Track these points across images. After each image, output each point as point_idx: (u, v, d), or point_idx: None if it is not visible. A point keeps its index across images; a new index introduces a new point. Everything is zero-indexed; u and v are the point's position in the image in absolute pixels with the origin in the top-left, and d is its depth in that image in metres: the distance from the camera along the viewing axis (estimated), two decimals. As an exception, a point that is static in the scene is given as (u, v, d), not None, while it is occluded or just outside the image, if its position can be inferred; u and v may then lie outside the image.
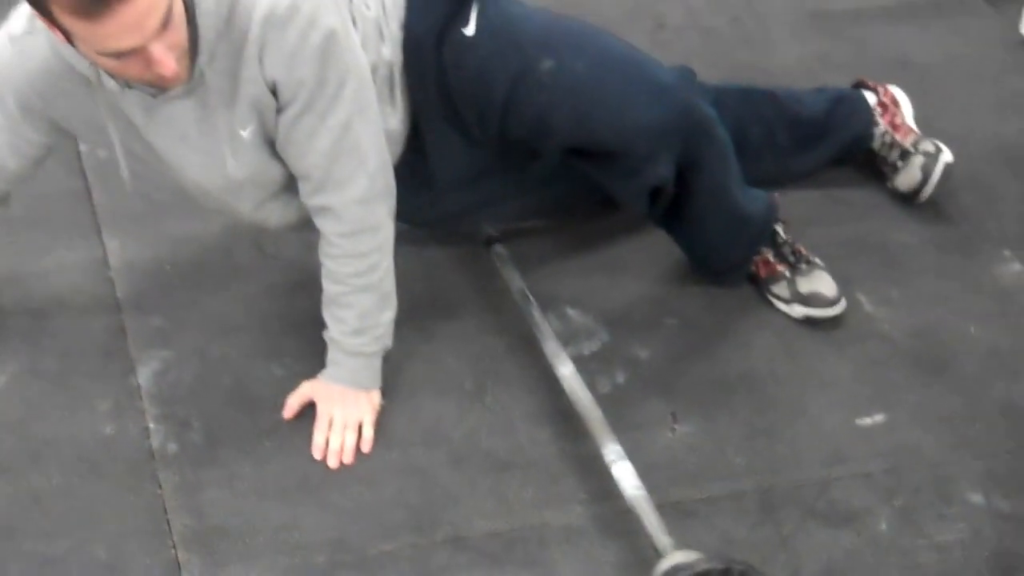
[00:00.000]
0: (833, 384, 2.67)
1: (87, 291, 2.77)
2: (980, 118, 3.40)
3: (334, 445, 2.50)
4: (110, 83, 2.25)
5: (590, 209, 2.96)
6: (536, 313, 2.69)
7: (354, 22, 2.43)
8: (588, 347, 2.72)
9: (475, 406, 2.58)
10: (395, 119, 2.55)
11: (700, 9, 3.72)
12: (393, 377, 2.62)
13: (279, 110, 2.32)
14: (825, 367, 2.71)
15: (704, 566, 2.12)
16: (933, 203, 3.07)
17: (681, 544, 2.19)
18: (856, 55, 3.60)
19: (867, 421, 2.59)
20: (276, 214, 2.55)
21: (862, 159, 3.15)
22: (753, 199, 2.81)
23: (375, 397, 2.57)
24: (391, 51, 2.51)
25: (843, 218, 3.06)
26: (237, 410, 2.56)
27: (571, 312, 2.79)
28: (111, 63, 2.12)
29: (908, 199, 3.07)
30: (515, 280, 2.78)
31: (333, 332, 2.52)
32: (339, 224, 2.43)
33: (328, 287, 2.50)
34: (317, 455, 2.49)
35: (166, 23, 2.07)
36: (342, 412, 2.53)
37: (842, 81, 3.24)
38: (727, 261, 2.86)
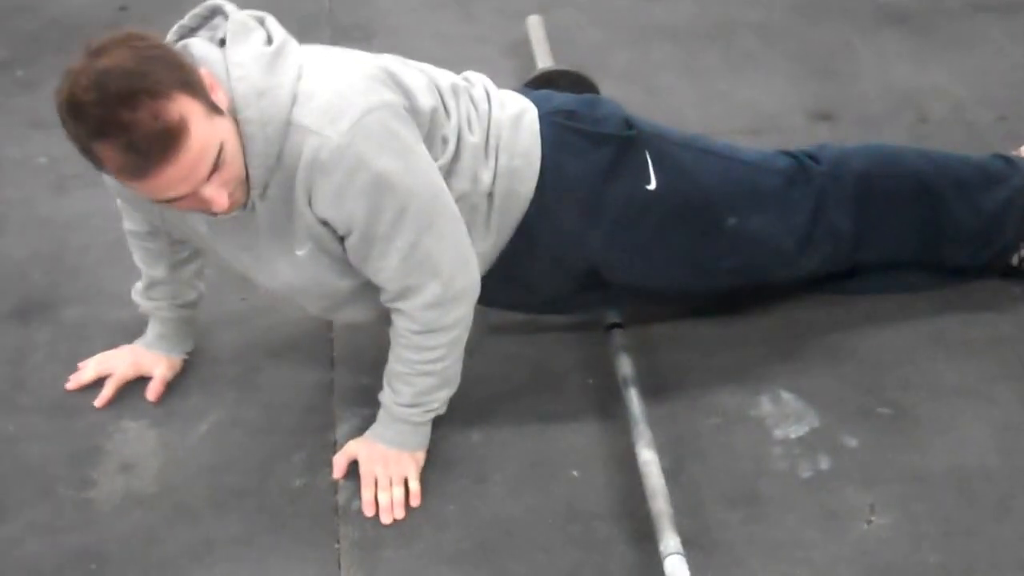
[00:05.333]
0: (1045, 485, 2.27)
1: (305, 347, 2.60)
2: None
3: (383, 502, 2.27)
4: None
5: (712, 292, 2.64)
6: (633, 401, 2.39)
7: (445, 141, 2.22)
8: (796, 431, 2.39)
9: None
10: (487, 243, 2.32)
11: (968, 105, 3.33)
12: (591, 451, 2.37)
13: (342, 237, 2.13)
14: (1040, 467, 2.30)
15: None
16: None
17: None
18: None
19: (1074, 524, 2.18)
20: (346, 315, 2.36)
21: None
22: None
23: (419, 457, 2.34)
24: (492, 179, 2.27)
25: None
26: (426, 471, 2.33)
27: (785, 395, 2.46)
28: (164, 204, 2.00)
29: None
30: (623, 367, 2.48)
31: (386, 399, 2.30)
32: (411, 323, 2.20)
33: (392, 364, 2.28)
34: (368, 512, 2.27)
35: (218, 166, 1.93)
36: (384, 470, 2.30)
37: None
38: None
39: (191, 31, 2.09)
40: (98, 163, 1.91)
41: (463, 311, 2.21)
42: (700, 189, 2.40)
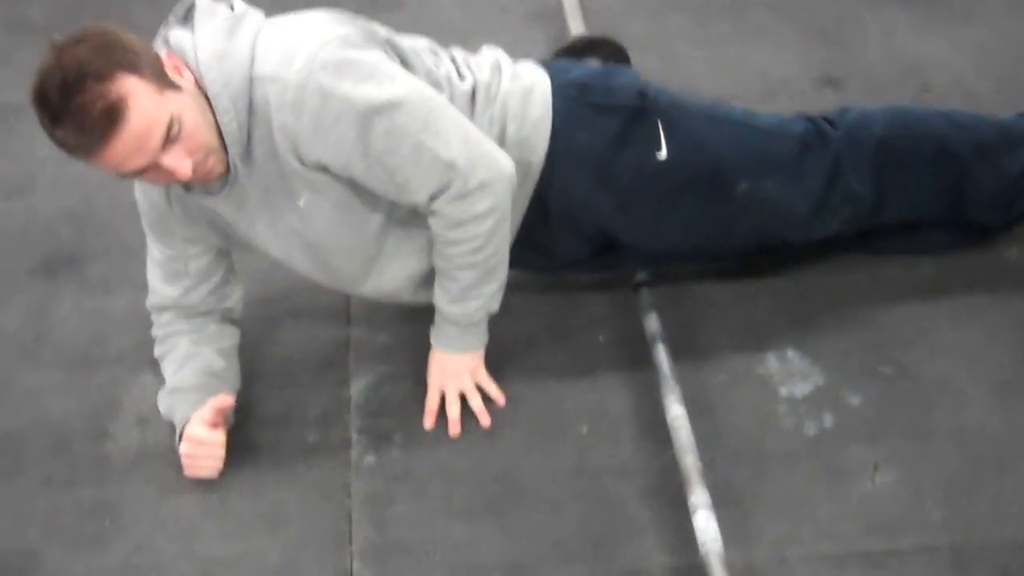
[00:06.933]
0: (1046, 444, 2.16)
1: (323, 305, 2.51)
2: None
3: (453, 415, 2.26)
4: (177, 189, 2.11)
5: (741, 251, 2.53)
6: (662, 357, 2.29)
7: (439, 86, 2.14)
8: (801, 389, 2.28)
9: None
10: None
11: (966, 74, 3.20)
12: (599, 407, 2.28)
13: (346, 172, 2.04)
14: (1041, 426, 2.20)
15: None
16: None
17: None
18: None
19: (1075, 484, 2.07)
20: (384, 278, 2.23)
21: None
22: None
23: (477, 356, 2.30)
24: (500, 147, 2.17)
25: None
26: (439, 428, 2.25)
27: (791, 353, 2.35)
28: (135, 178, 2.02)
29: None
30: (651, 324, 2.38)
31: (437, 299, 2.22)
32: (440, 220, 2.10)
33: (436, 260, 2.18)
34: (427, 424, 2.26)
35: (173, 137, 1.92)
36: (454, 383, 2.28)
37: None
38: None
39: None
40: (62, 148, 1.94)
41: (492, 201, 2.09)
42: (711, 156, 2.29)
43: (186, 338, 2.27)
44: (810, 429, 2.20)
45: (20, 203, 2.94)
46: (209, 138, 1.99)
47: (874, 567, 1.96)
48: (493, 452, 2.21)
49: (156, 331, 2.32)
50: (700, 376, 2.32)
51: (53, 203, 2.92)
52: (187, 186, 2.09)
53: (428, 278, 2.24)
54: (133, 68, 1.91)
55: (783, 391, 2.28)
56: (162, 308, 2.32)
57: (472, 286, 2.18)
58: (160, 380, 2.29)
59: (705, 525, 1.96)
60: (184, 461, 2.17)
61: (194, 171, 1.97)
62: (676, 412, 2.17)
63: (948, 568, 1.95)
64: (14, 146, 3.13)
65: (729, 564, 1.92)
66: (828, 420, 2.22)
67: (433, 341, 2.28)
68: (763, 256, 2.54)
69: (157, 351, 2.31)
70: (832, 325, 2.42)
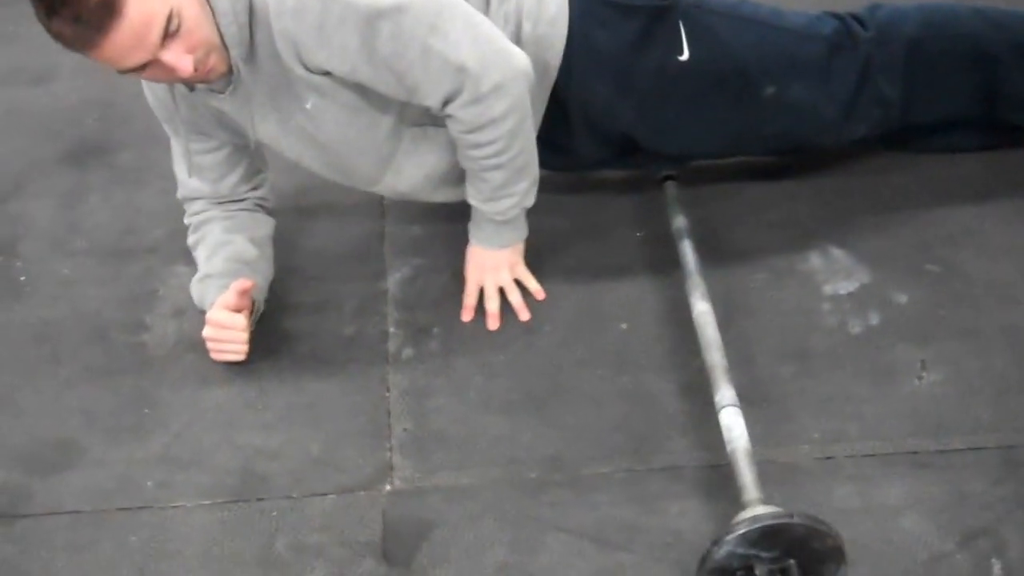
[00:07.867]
0: (1098, 344, 2.14)
1: (356, 198, 2.47)
2: None
3: (492, 308, 2.25)
4: (180, 88, 2.07)
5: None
6: (687, 253, 2.26)
7: None
8: (845, 287, 2.26)
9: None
10: None
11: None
12: (639, 304, 2.26)
13: (352, 77, 2.00)
14: (1093, 325, 2.17)
15: (784, 520, 1.71)
16: None
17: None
18: None
19: None
20: (402, 176, 2.20)
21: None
22: None
23: (518, 249, 2.29)
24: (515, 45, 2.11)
25: None
26: (477, 322, 2.24)
27: (835, 251, 2.33)
28: (136, 75, 1.96)
29: None
30: (677, 219, 2.35)
31: (470, 196, 2.19)
32: (458, 124, 2.06)
33: (462, 161, 2.15)
34: (464, 317, 2.26)
35: (172, 32, 1.86)
36: (492, 277, 2.26)
37: None
38: None
39: None
40: (59, 40, 1.89)
41: (509, 102, 2.04)
42: (735, 59, 2.24)
43: (219, 225, 2.26)
44: (855, 327, 2.19)
45: (43, 91, 2.92)
46: (210, 35, 1.94)
47: (922, 466, 1.94)
48: (532, 347, 2.20)
49: (188, 219, 2.31)
50: (741, 273, 2.30)
51: (76, 92, 2.89)
52: (190, 86, 2.06)
53: (447, 177, 2.20)
54: None
55: (827, 289, 2.26)
56: (192, 199, 2.30)
57: (503, 185, 2.15)
58: (194, 271, 2.28)
59: (731, 422, 1.93)
60: (208, 345, 2.17)
61: (195, 69, 1.93)
62: (701, 308, 2.14)
63: (997, 468, 1.93)
64: (33, 32, 3.08)
65: (772, 461, 1.93)
66: (874, 318, 2.20)
67: (471, 236, 2.26)
68: (800, 155, 2.51)
69: (190, 239, 2.30)
70: (876, 223, 2.39)
